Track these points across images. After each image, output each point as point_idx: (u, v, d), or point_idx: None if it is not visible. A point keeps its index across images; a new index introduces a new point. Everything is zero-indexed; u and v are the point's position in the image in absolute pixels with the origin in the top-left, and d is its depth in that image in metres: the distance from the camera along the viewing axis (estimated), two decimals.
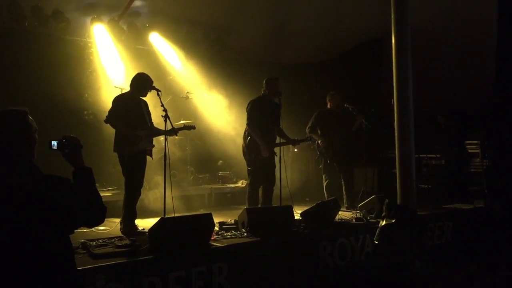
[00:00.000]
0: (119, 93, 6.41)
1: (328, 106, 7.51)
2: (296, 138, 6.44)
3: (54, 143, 2.41)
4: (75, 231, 2.36)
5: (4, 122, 2.26)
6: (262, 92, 6.30)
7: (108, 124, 5.41)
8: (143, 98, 5.65)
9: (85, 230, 4.95)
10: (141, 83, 5.53)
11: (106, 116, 5.37)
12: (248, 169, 6.25)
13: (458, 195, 7.80)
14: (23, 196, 2.11)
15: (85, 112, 7.56)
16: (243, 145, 6.23)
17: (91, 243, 4.23)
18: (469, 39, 8.43)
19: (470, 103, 9.17)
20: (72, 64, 7.77)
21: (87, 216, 2.30)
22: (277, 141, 6.30)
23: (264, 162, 6.08)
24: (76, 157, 2.40)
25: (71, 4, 7.59)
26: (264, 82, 6.32)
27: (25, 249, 2.08)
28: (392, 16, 5.51)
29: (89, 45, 8.08)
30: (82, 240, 4.26)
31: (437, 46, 8.75)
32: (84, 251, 4.00)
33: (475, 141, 8.83)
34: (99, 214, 2.34)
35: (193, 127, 6.02)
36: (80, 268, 3.30)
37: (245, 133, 6.22)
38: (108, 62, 8.09)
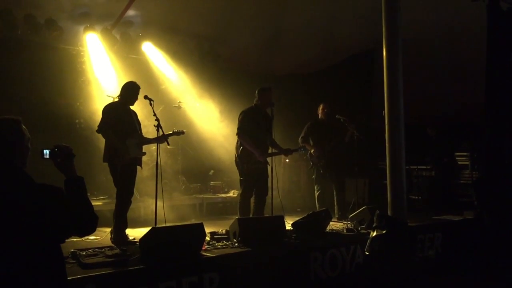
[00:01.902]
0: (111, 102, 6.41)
1: (319, 117, 7.56)
2: (289, 148, 6.46)
3: (46, 152, 2.41)
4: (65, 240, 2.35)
5: None
6: (255, 103, 6.32)
7: (100, 134, 5.41)
8: (132, 108, 5.66)
9: (75, 240, 4.94)
10: (131, 91, 5.54)
11: (98, 126, 5.37)
12: (240, 179, 6.25)
13: (448, 206, 7.85)
14: (14, 205, 2.11)
15: (77, 121, 7.54)
16: (235, 155, 6.24)
17: (81, 252, 4.20)
18: (460, 52, 8.53)
19: (460, 115, 9.27)
20: (65, 73, 7.76)
21: (78, 225, 2.30)
22: (270, 151, 6.31)
23: (257, 172, 6.09)
24: (68, 166, 2.40)
25: (64, 13, 7.60)
26: (256, 92, 6.34)
27: (15, 258, 2.07)
28: (384, 29, 5.57)
29: (82, 54, 8.09)
30: (72, 250, 4.23)
31: (428, 58, 8.84)
32: (74, 261, 3.97)
33: (465, 153, 8.90)
34: (90, 224, 2.34)
35: (183, 132, 6.01)
36: (70, 278, 3.28)
37: (237, 143, 6.22)
38: (101, 71, 8.10)
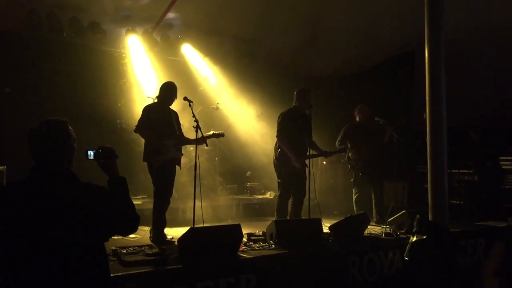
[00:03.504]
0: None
1: (357, 119, 7.45)
2: (328, 150, 6.41)
3: (91, 153, 2.47)
4: None
5: (46, 132, 2.33)
6: (293, 104, 6.29)
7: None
8: (173, 109, 5.74)
9: (115, 238, 5.04)
10: (168, 91, 5.63)
11: (136, 126, 5.48)
12: (278, 181, 6.24)
13: (491, 212, 7.59)
14: (62, 203, 2.18)
15: (118, 122, 7.70)
16: (273, 157, 6.23)
17: (122, 250, 4.30)
18: (503, 52, 8.27)
19: (504, 118, 8.96)
20: (107, 75, 7.95)
21: (121, 224, 2.35)
22: (309, 153, 6.27)
23: (295, 174, 6.06)
24: (111, 167, 2.46)
25: (107, 16, 7.81)
26: (295, 93, 6.31)
27: (63, 254, 2.13)
28: (426, 30, 5.45)
29: (123, 56, 8.27)
30: (113, 248, 4.34)
31: (470, 59, 8.59)
32: (115, 259, 4.07)
33: (510, 157, 8.60)
34: (132, 223, 2.39)
35: (222, 135, 6.04)
36: (111, 275, 3.35)
37: (275, 145, 6.21)
38: (141, 73, 8.27)
